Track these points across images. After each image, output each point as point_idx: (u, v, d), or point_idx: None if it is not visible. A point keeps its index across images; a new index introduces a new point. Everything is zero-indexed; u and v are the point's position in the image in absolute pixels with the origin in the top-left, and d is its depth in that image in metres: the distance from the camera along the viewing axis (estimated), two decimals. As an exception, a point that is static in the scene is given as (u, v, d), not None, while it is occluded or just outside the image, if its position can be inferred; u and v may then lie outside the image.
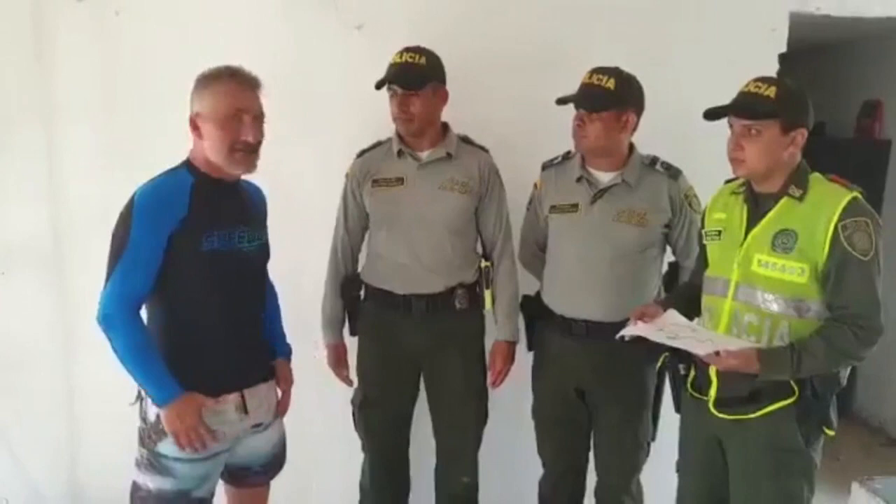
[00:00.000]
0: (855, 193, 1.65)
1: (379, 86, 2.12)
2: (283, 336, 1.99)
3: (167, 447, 1.69)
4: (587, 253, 2.07)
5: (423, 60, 2.12)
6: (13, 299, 2.68)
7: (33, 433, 2.77)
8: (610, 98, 1.96)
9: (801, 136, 1.68)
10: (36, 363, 2.73)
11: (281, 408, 1.93)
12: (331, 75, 2.51)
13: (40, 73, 2.59)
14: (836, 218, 1.62)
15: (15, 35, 2.57)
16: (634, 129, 2.06)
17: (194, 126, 1.68)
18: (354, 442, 2.37)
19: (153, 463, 1.71)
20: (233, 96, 1.67)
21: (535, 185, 2.24)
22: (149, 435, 1.72)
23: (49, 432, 2.78)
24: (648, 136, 2.13)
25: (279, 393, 1.93)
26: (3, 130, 2.62)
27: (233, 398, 1.75)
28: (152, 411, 1.70)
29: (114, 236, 1.65)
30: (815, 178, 1.71)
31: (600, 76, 1.97)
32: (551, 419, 2.23)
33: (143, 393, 1.74)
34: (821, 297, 1.66)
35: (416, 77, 2.09)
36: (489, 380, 2.29)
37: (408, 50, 2.13)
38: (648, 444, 2.18)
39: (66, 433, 2.78)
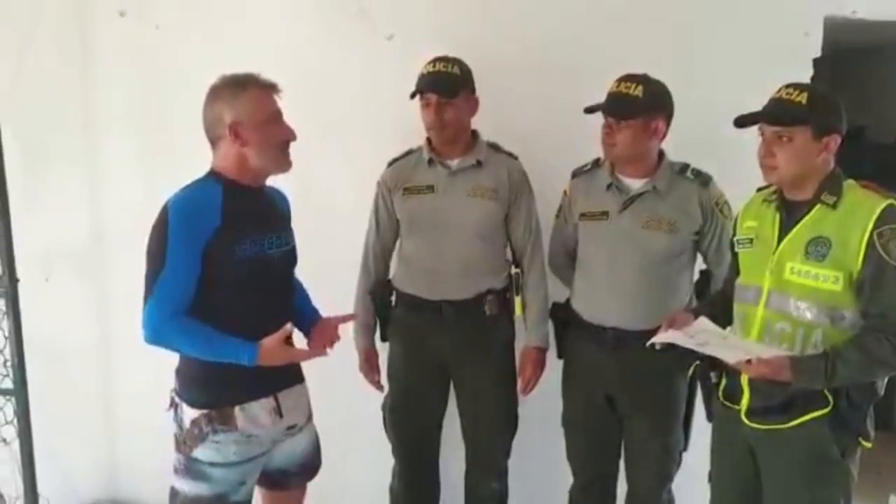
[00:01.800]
0: (890, 200, 1.62)
1: (414, 95, 2.15)
2: (315, 310, 1.98)
3: (203, 453, 1.72)
4: (617, 260, 2.06)
5: (455, 69, 2.15)
6: (56, 305, 2.77)
7: (74, 435, 2.85)
8: (638, 106, 1.95)
9: (833, 142, 1.66)
10: (77, 367, 2.81)
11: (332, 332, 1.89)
12: (362, 84, 2.55)
13: (84, 84, 2.69)
14: (871, 225, 1.59)
15: (61, 48, 2.67)
16: (664, 136, 2.05)
17: (236, 134, 1.70)
18: (385, 446, 2.39)
19: (190, 468, 1.74)
20: (268, 100, 1.73)
21: (565, 193, 2.24)
22: (184, 441, 1.74)
23: (89, 434, 2.86)
24: (679, 143, 2.11)
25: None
26: (48, 140, 2.72)
27: (267, 402, 1.77)
28: (187, 417, 1.73)
29: (150, 250, 1.67)
30: (849, 184, 1.68)
31: (628, 84, 1.96)
32: (581, 427, 2.22)
33: (177, 399, 1.77)
34: (856, 305, 1.63)
35: (451, 85, 2.12)
36: (519, 387, 2.29)
37: (440, 59, 2.16)
38: (680, 454, 2.16)
39: (106, 435, 2.86)
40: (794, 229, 1.70)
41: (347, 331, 2.30)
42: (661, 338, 1.82)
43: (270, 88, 1.74)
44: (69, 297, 2.79)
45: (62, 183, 2.74)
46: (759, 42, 2.41)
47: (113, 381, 2.84)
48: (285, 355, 1.70)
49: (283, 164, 1.78)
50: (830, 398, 1.66)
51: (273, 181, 1.84)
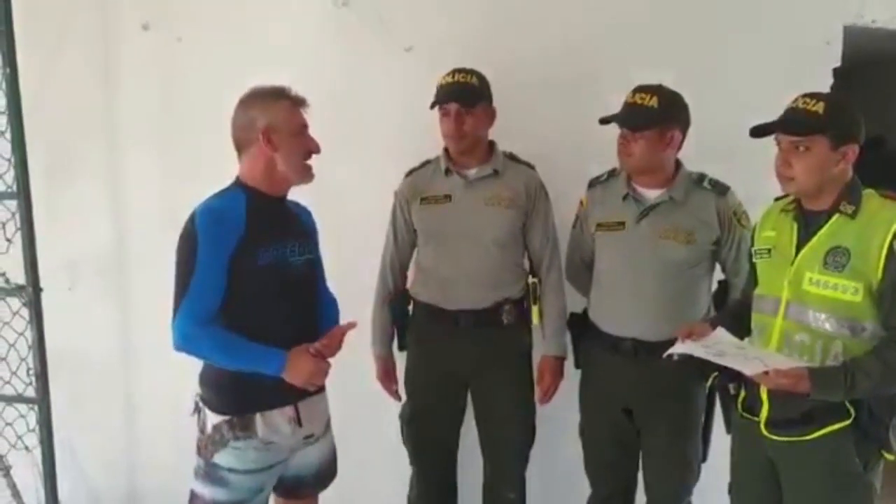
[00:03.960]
0: None
1: (434, 105, 2.17)
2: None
3: (223, 458, 1.74)
4: (634, 271, 2.06)
5: (474, 80, 2.17)
6: (79, 312, 2.81)
7: (95, 439, 2.88)
8: (653, 116, 1.95)
9: (851, 151, 1.65)
10: (99, 372, 2.85)
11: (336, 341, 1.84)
12: (381, 95, 2.57)
13: (107, 96, 2.74)
14: (891, 235, 1.58)
15: (86, 60, 2.73)
16: (680, 146, 2.05)
17: (268, 139, 1.74)
18: (402, 456, 2.39)
19: (209, 473, 1.76)
20: (298, 112, 1.79)
21: (581, 203, 2.24)
22: (205, 445, 1.76)
23: (110, 438, 2.89)
24: (699, 153, 2.12)
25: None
26: (72, 151, 2.77)
27: (287, 410, 1.79)
28: (210, 423, 1.76)
29: (179, 259, 1.70)
30: (869, 194, 1.67)
31: (643, 95, 1.96)
32: (599, 438, 2.21)
33: (201, 404, 1.80)
34: (876, 316, 1.61)
35: (470, 95, 2.15)
36: (537, 396, 2.29)
37: (458, 70, 2.18)
38: (699, 466, 2.14)
39: (126, 439, 2.89)
40: (813, 239, 1.69)
41: (366, 340, 2.33)
42: (678, 349, 1.81)
43: (300, 103, 1.80)
44: (92, 306, 2.83)
45: (86, 192, 2.79)
46: (779, 51, 2.41)
47: (135, 388, 2.87)
48: (309, 369, 1.72)
49: (306, 174, 1.83)
50: (852, 410, 1.64)
51: (293, 192, 1.87)
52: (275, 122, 1.74)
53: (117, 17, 2.70)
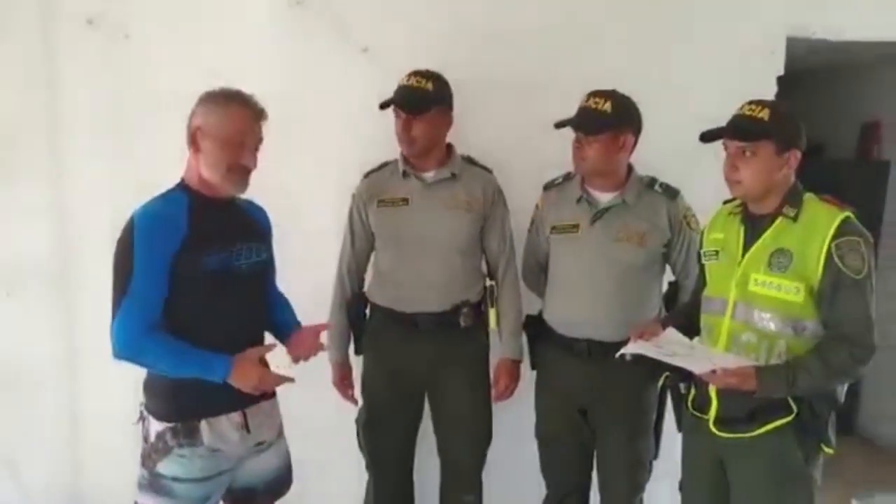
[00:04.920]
0: (847, 213, 1.68)
1: (383, 106, 2.15)
2: (298, 322, 1.96)
3: (167, 467, 1.69)
4: (588, 273, 2.09)
5: (428, 85, 2.14)
6: (18, 319, 2.69)
7: (36, 452, 2.77)
8: (607, 121, 1.99)
9: (794, 157, 1.71)
10: (40, 383, 2.73)
11: (312, 341, 1.86)
12: (337, 96, 2.55)
13: (49, 94, 2.62)
14: (829, 238, 1.65)
15: (25, 59, 2.61)
16: (632, 150, 2.09)
17: (193, 140, 1.69)
18: (358, 460, 2.37)
19: (153, 483, 1.71)
20: (242, 122, 1.70)
21: (537, 206, 2.27)
22: (149, 455, 1.71)
23: (52, 452, 2.78)
24: (648, 157, 2.16)
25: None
26: (10, 151, 2.65)
27: (234, 417, 1.75)
28: (153, 430, 1.71)
29: (116, 264, 1.64)
30: (809, 198, 1.74)
31: (597, 99, 2.00)
32: (554, 439, 2.23)
33: (145, 412, 1.75)
34: (817, 315, 1.68)
35: (419, 101, 2.12)
36: (493, 396, 2.30)
37: (416, 74, 2.15)
38: (651, 463, 2.19)
39: (69, 453, 2.78)
40: (758, 241, 1.75)
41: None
42: (629, 349, 1.85)
43: (254, 114, 1.72)
44: (32, 312, 2.72)
45: (25, 194, 2.66)
46: (725, 60, 2.49)
47: (76, 396, 2.77)
48: (256, 375, 1.68)
49: (230, 186, 1.74)
50: (794, 406, 1.70)
51: (248, 194, 1.82)
52: (206, 125, 1.68)
53: (59, 10, 2.59)
